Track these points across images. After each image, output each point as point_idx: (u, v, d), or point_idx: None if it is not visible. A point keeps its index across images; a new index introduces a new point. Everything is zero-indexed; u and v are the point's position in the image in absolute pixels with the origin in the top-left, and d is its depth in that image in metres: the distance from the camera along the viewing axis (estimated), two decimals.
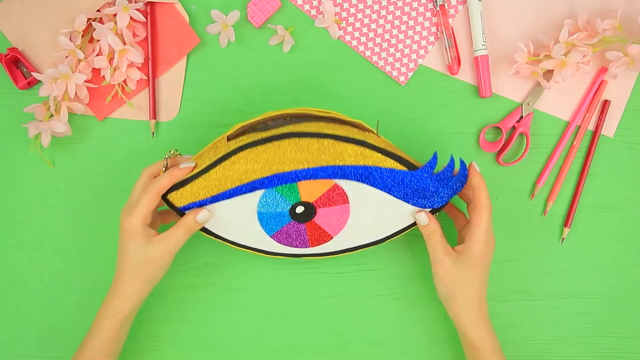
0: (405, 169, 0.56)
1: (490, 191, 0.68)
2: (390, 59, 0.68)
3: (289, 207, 0.58)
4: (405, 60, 0.68)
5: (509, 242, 0.67)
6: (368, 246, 0.62)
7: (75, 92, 0.64)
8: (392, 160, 0.55)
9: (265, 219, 0.58)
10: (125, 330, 0.59)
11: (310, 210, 0.58)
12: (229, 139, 0.57)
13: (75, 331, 0.66)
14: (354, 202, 0.58)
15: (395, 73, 0.68)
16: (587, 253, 0.68)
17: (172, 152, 0.59)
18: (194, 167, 0.56)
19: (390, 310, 0.67)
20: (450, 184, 0.57)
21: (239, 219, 0.58)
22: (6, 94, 0.68)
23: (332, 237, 0.61)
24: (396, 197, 0.57)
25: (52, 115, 0.64)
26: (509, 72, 0.65)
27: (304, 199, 0.57)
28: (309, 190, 0.57)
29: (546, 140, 0.68)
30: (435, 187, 0.56)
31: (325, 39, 0.68)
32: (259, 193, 0.57)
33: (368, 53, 0.68)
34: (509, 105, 0.68)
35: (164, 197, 0.57)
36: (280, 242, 0.61)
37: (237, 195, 0.56)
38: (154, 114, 0.67)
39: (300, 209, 0.58)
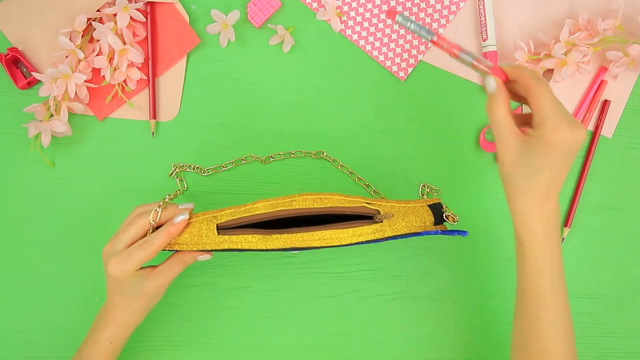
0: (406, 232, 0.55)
1: (489, 191, 0.68)
2: (391, 54, 0.68)
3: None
4: (405, 55, 0.68)
5: (509, 242, 0.67)
6: None
7: (75, 92, 0.64)
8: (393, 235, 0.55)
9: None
10: (119, 351, 0.59)
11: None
12: (219, 228, 0.55)
13: (75, 331, 0.66)
14: None
15: (395, 68, 0.68)
16: (587, 253, 0.68)
17: (166, 199, 0.57)
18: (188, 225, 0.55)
19: (390, 310, 0.67)
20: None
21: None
22: (6, 94, 0.68)
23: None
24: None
25: (52, 115, 0.65)
26: None
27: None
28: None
29: None
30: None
31: (326, 34, 0.68)
32: None
33: (368, 47, 0.68)
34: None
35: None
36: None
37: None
38: (154, 114, 0.67)
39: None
